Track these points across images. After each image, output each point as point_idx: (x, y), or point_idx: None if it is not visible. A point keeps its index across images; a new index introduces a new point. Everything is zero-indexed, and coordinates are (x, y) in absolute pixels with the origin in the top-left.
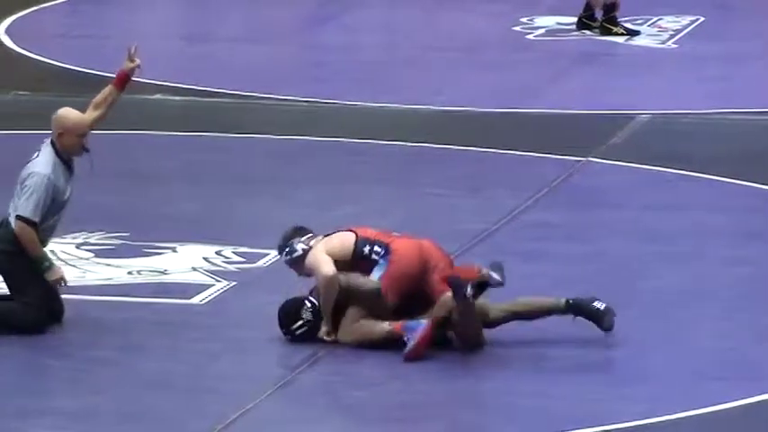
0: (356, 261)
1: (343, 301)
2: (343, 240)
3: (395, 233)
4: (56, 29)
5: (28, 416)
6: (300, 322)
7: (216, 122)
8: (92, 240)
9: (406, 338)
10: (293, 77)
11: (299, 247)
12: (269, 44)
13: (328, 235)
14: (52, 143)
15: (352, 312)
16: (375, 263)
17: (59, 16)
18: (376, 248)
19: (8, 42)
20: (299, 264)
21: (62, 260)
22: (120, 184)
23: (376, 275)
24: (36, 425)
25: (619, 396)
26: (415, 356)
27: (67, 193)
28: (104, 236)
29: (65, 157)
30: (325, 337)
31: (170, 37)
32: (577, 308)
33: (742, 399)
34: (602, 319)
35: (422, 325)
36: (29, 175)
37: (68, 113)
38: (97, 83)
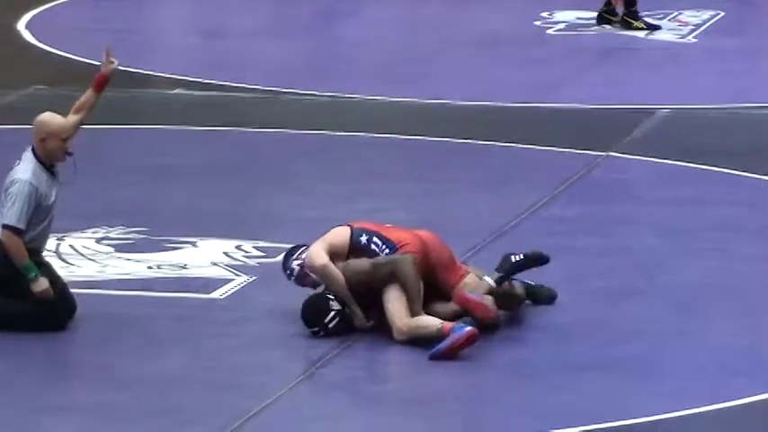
0: (354, 252)
1: (365, 286)
2: (339, 233)
3: (387, 225)
4: (76, 23)
5: (50, 411)
6: (332, 314)
7: (236, 117)
8: (112, 235)
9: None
10: (314, 72)
11: (295, 264)
12: (289, 39)
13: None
14: (33, 149)
15: (396, 306)
16: (377, 255)
17: (79, 11)
18: (375, 240)
19: (28, 37)
20: (303, 278)
21: (82, 254)
22: (139, 178)
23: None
24: (58, 420)
25: (638, 391)
26: (444, 356)
27: (52, 198)
28: (124, 230)
29: (47, 163)
30: (361, 326)
31: (190, 32)
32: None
33: (762, 394)
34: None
35: (466, 329)
36: (11, 182)
37: (51, 118)
38: (116, 77)
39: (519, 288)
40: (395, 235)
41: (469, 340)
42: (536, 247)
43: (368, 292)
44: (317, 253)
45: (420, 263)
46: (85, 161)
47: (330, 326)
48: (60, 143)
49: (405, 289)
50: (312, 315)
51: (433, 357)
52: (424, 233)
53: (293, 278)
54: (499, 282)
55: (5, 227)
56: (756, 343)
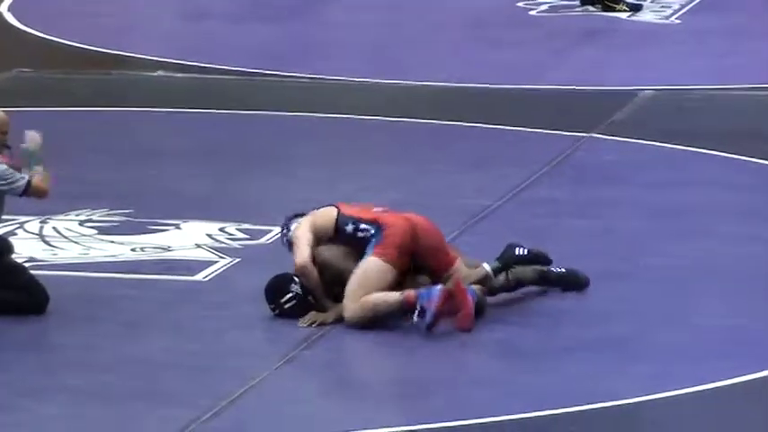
0: (340, 238)
1: (337, 278)
2: (325, 216)
3: (376, 209)
4: (58, 6)
5: (38, 394)
6: (289, 295)
7: (219, 100)
8: (95, 217)
9: (419, 306)
10: (297, 55)
11: (291, 227)
12: (272, 22)
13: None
14: None
15: (353, 290)
16: (363, 241)
17: None
18: (362, 226)
19: (11, 20)
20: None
21: (65, 237)
22: (123, 161)
23: (370, 251)
24: (44, 402)
25: (622, 373)
26: (436, 322)
27: None
28: (108, 213)
29: None
30: (304, 325)
31: (172, 14)
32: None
33: (746, 375)
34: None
35: (436, 290)
36: None
37: None
38: (99, 60)
39: (530, 272)
40: (383, 218)
41: (446, 298)
42: (519, 228)
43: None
44: (302, 248)
45: (408, 246)
46: (68, 144)
47: (285, 306)
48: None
49: None
50: (272, 292)
51: (430, 327)
52: (414, 216)
53: (284, 239)
54: (496, 271)
55: None
56: (742, 325)
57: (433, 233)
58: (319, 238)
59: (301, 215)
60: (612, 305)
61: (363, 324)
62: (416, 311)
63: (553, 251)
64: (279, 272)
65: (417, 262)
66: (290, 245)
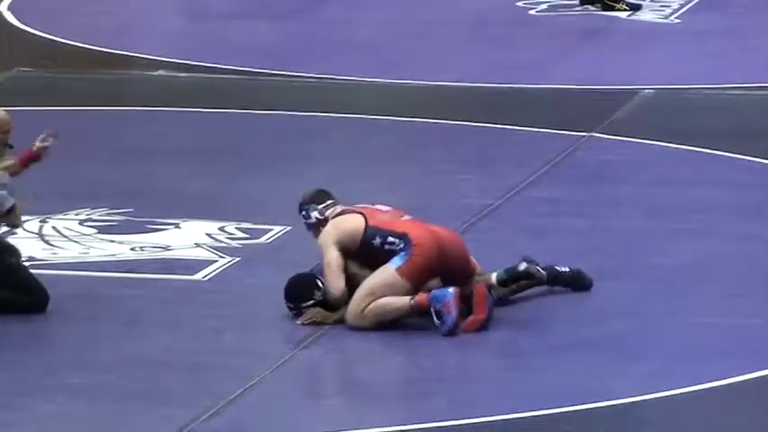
0: (365, 251)
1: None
2: (351, 228)
3: (405, 217)
4: (59, 5)
5: (38, 393)
6: (311, 302)
7: (221, 99)
8: (95, 216)
9: (433, 309)
10: (301, 54)
11: (314, 215)
12: (275, 20)
13: (341, 213)
14: None
15: (363, 295)
16: (390, 254)
17: None
18: (390, 239)
19: (11, 19)
20: (312, 230)
21: (65, 236)
22: (123, 160)
23: (394, 264)
24: (44, 401)
25: (622, 372)
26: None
27: None
28: (108, 212)
29: None
30: (305, 322)
31: (174, 13)
32: (508, 278)
33: (745, 374)
34: (533, 277)
35: (449, 293)
36: None
37: None
38: (100, 59)
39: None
40: (414, 232)
41: (459, 300)
42: (520, 227)
43: None
44: (337, 272)
45: (434, 266)
46: (68, 143)
47: (304, 309)
48: (1, 135)
49: None
50: (295, 296)
51: (449, 333)
52: (438, 229)
53: (305, 221)
54: (502, 283)
55: None
56: (741, 324)
57: (457, 246)
58: (345, 250)
59: (321, 193)
60: (611, 304)
61: (365, 328)
62: (434, 315)
63: (554, 250)
64: (279, 270)
65: (443, 275)
66: (307, 226)
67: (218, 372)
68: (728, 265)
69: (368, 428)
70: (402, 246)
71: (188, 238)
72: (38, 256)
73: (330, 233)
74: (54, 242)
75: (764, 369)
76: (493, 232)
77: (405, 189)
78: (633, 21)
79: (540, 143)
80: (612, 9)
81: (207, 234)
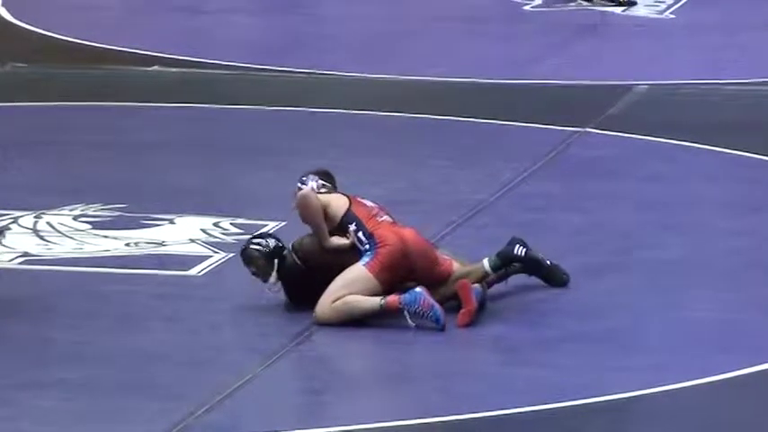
0: (340, 230)
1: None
2: (336, 206)
3: (384, 218)
4: (53, 1)
5: (31, 388)
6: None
7: (214, 94)
8: (89, 212)
9: (407, 312)
10: (291, 49)
11: (310, 183)
12: (266, 16)
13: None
14: None
15: (334, 289)
16: (359, 253)
17: None
18: (360, 235)
19: (5, 14)
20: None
21: (60, 232)
22: (117, 156)
23: (361, 263)
24: (39, 396)
25: (617, 366)
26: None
27: None
28: (102, 207)
29: None
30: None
31: (167, 8)
32: (502, 263)
33: (741, 369)
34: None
35: (419, 293)
36: None
37: None
38: (94, 54)
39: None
40: (379, 232)
41: (429, 294)
42: (513, 222)
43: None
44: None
45: (398, 265)
46: (62, 138)
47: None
48: None
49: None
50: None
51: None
52: (406, 231)
53: (297, 186)
54: (495, 269)
55: None
56: (736, 318)
57: (423, 250)
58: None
59: (325, 174)
60: (606, 299)
61: (333, 323)
62: (411, 317)
63: (548, 245)
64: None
65: (411, 277)
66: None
67: (213, 367)
68: (723, 259)
69: (362, 423)
70: (368, 246)
71: (182, 233)
72: (32, 252)
73: (320, 196)
74: (48, 238)
75: (761, 364)
76: (486, 227)
77: (397, 183)
78: (627, 16)
79: (534, 138)
80: (607, 4)
81: (201, 230)
